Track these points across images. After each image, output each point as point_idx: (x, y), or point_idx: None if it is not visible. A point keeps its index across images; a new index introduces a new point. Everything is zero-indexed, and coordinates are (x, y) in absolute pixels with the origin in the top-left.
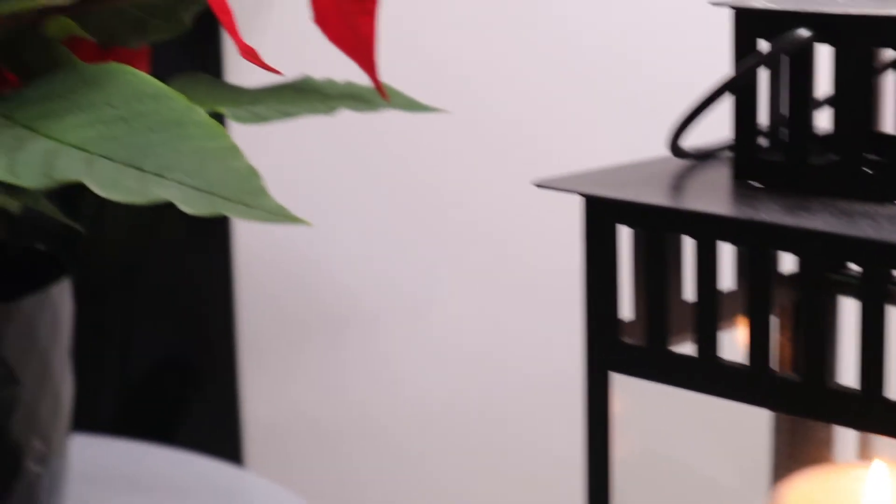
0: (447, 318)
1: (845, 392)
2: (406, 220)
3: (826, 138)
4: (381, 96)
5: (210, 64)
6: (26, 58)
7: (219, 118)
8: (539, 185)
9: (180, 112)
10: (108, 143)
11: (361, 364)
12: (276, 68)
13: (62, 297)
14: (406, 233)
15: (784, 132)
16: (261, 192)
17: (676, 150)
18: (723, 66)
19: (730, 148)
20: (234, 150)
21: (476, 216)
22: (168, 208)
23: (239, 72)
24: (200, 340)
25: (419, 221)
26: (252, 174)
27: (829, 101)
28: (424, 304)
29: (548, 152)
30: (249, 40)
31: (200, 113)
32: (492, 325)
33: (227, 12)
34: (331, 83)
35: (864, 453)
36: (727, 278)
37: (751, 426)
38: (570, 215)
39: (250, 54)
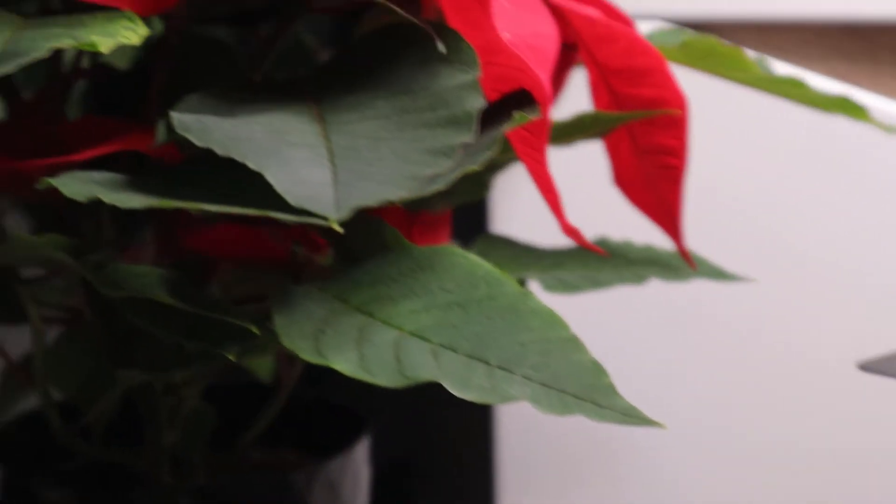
0: (725, 452)
1: None
2: (698, 358)
3: None
4: (687, 264)
5: (474, 218)
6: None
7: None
8: (864, 368)
9: (515, 298)
10: (447, 332)
11: (633, 494)
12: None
13: (362, 456)
14: (696, 368)
15: None
16: (610, 390)
17: None
18: None
19: None
20: (575, 343)
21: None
22: None
23: (502, 225)
24: (456, 461)
25: (710, 361)
26: (598, 370)
27: None
28: (702, 437)
29: (860, 322)
30: (525, 197)
31: (535, 300)
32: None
33: (553, 192)
34: (629, 245)
35: None
36: None
37: None
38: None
39: (573, 233)
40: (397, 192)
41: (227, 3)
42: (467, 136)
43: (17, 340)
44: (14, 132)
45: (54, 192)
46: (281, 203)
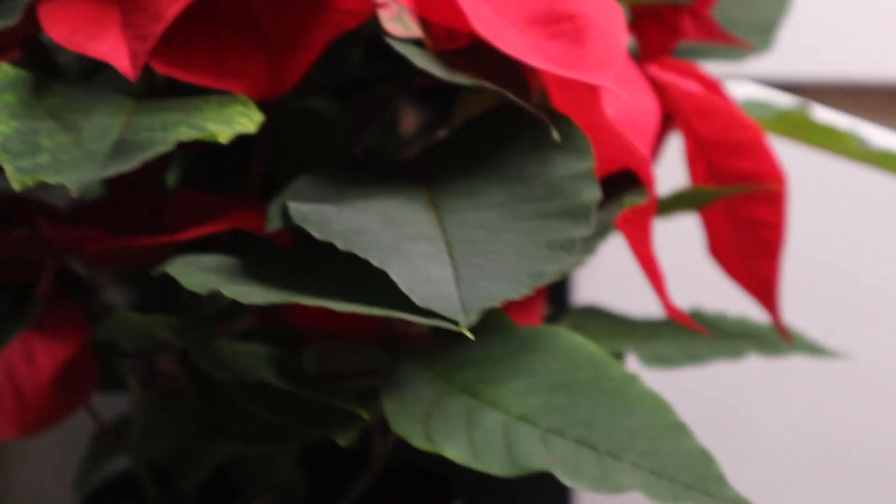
0: None
1: None
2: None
3: None
4: (783, 338)
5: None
6: None
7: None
8: None
9: (620, 381)
10: (554, 416)
11: None
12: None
13: None
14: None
15: None
16: (720, 479)
17: None
18: None
19: None
20: (682, 429)
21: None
22: None
23: (586, 286)
24: None
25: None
26: (706, 458)
27: None
28: None
29: None
30: (609, 260)
31: (640, 383)
32: None
33: (656, 273)
34: (723, 318)
35: None
36: None
37: None
38: None
39: (676, 314)
40: (519, 290)
41: (329, 76)
42: (585, 230)
43: (104, 402)
44: (114, 206)
45: (153, 264)
46: (401, 298)
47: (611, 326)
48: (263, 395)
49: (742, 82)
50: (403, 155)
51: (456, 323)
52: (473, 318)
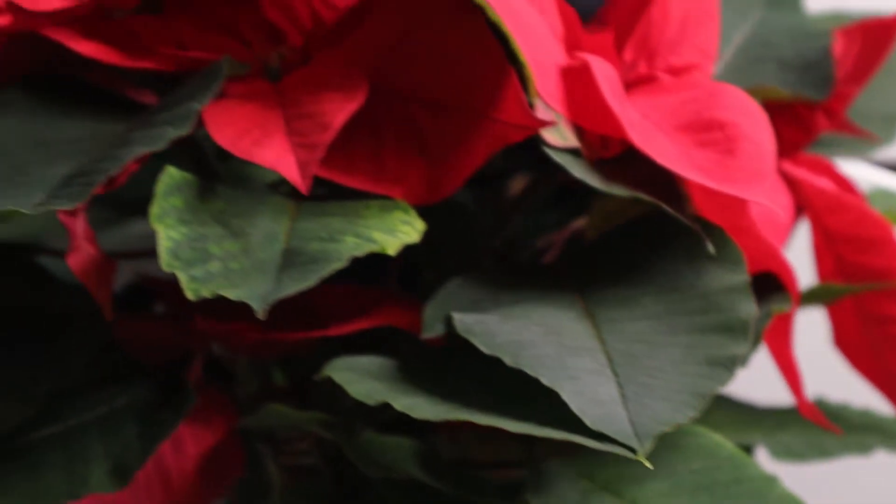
0: None
1: None
2: None
3: None
4: None
5: None
6: None
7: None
8: None
9: (760, 482)
10: None
11: None
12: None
13: None
14: None
15: None
16: None
17: None
18: None
19: None
20: None
21: None
22: None
23: None
24: None
25: None
26: None
27: None
28: None
29: None
30: None
31: (780, 486)
32: None
33: (795, 376)
34: (847, 409)
35: None
36: None
37: None
38: None
39: (812, 413)
40: (685, 412)
41: None
42: (744, 347)
43: None
44: None
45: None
46: (566, 413)
47: (736, 416)
48: (410, 489)
49: (856, 163)
50: (538, 244)
51: (633, 450)
52: (649, 445)
